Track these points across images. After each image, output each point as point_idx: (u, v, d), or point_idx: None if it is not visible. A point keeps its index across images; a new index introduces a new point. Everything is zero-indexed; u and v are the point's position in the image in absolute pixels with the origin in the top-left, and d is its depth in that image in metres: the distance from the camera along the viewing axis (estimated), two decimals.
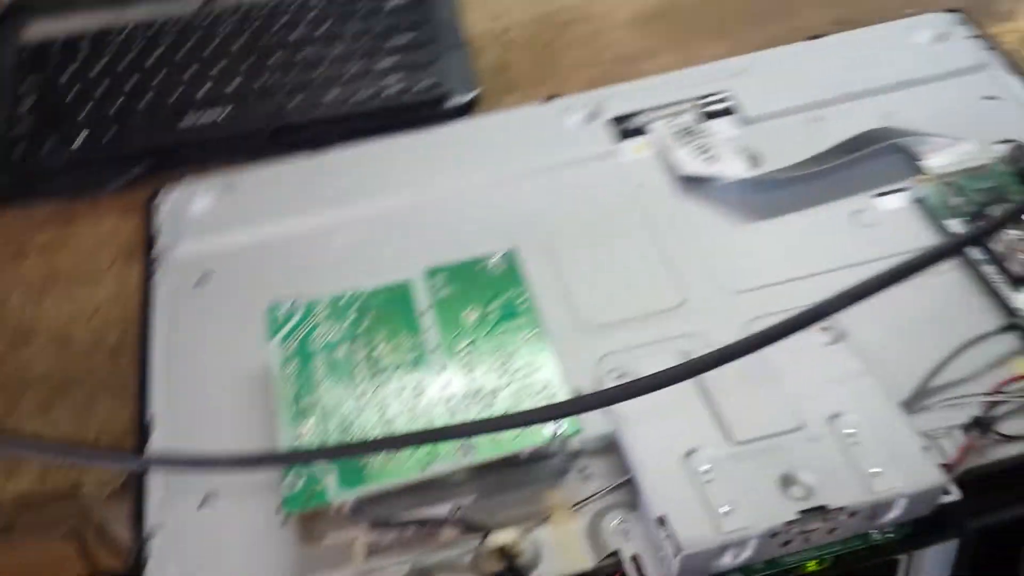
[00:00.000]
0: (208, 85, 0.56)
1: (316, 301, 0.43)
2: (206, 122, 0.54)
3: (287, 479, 0.37)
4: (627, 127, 0.53)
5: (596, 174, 0.51)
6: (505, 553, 0.36)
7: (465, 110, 0.55)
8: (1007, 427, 0.40)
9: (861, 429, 0.37)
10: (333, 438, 0.38)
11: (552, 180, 0.51)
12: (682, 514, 0.35)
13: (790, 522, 0.35)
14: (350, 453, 0.36)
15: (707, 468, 0.36)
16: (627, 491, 0.38)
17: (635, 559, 0.36)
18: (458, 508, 0.38)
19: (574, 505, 0.38)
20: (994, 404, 0.40)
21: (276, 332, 0.42)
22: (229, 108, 0.55)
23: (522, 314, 0.42)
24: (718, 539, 0.34)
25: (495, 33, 0.61)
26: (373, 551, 0.37)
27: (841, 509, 0.35)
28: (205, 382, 0.44)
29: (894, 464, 0.36)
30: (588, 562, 0.37)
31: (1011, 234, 0.44)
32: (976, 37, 0.55)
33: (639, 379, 0.33)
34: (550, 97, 0.54)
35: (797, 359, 0.40)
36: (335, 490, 0.37)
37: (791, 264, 0.46)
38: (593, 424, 0.40)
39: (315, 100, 0.55)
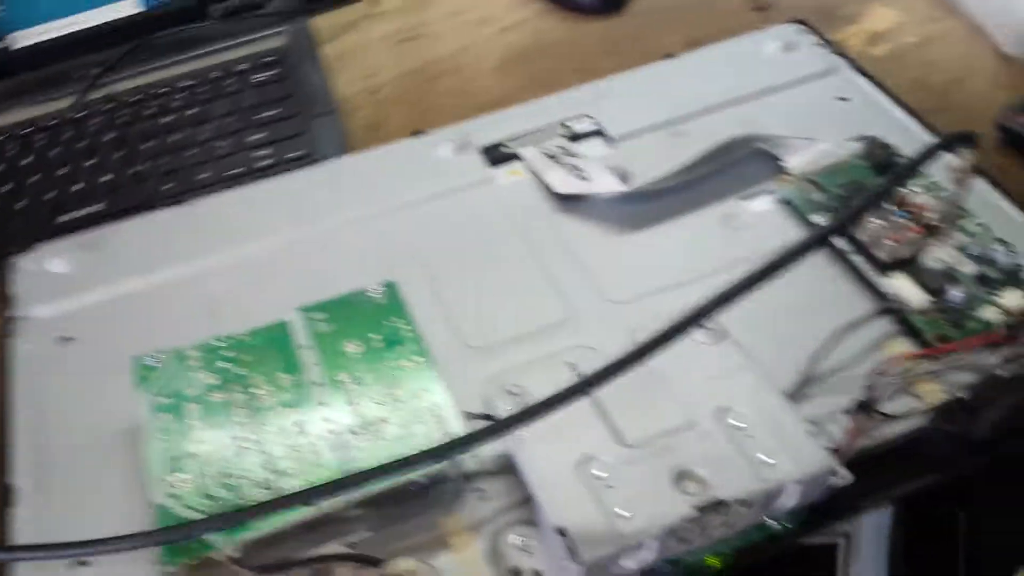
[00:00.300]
0: (83, 179, 0.56)
1: (185, 350, 0.41)
2: (83, 216, 0.54)
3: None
4: (498, 155, 0.53)
5: (472, 201, 0.51)
6: None
7: None
8: (889, 407, 0.40)
9: (749, 421, 0.37)
10: (211, 486, 0.36)
11: (428, 211, 0.51)
12: (580, 523, 0.34)
13: (687, 519, 0.34)
14: (227, 522, 0.34)
15: (602, 474, 0.36)
16: (526, 508, 0.38)
17: (537, 574, 0.36)
18: (352, 544, 0.36)
19: (472, 528, 0.37)
20: (874, 387, 0.41)
21: (143, 384, 0.40)
22: (105, 200, 0.55)
23: (406, 342, 0.41)
24: (617, 544, 0.34)
25: (367, 92, 0.62)
26: None
27: (736, 501, 0.35)
28: (73, 444, 0.42)
29: (783, 452, 0.36)
30: None
31: (875, 223, 0.45)
32: (822, 44, 0.57)
33: (532, 405, 0.34)
34: (415, 132, 0.54)
35: (682, 361, 0.40)
36: (219, 538, 0.35)
37: (668, 271, 0.46)
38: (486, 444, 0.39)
39: (188, 182, 0.55)
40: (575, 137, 0.53)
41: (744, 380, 0.39)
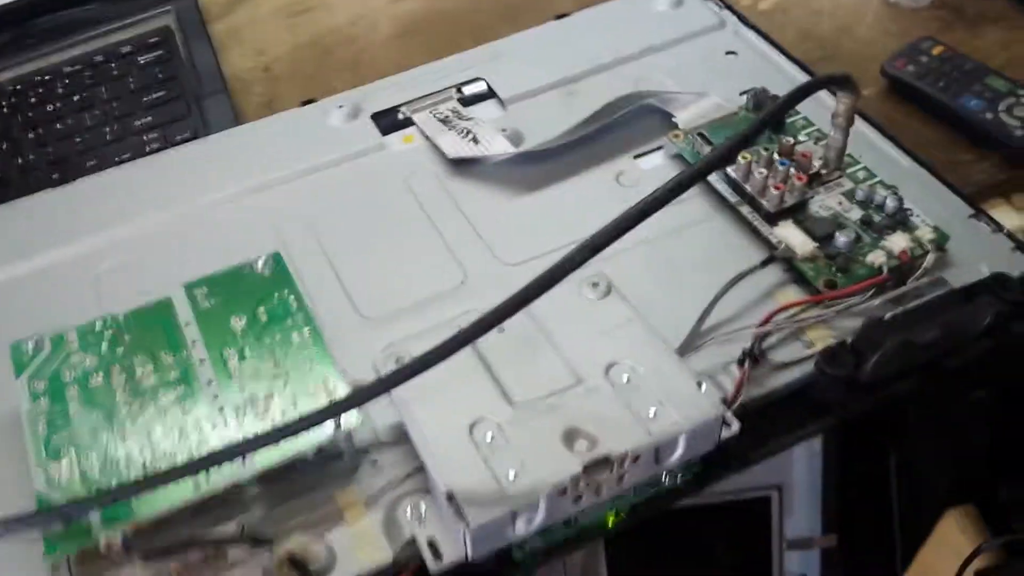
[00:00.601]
0: None
1: (64, 333, 0.40)
2: None
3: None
4: (390, 121, 0.52)
5: (364, 169, 0.50)
6: (296, 561, 0.34)
7: None
8: (778, 355, 0.41)
9: (637, 375, 0.37)
10: (94, 472, 0.35)
11: (319, 181, 0.50)
12: (468, 486, 0.34)
13: (575, 476, 0.34)
14: (109, 498, 0.33)
15: (491, 436, 0.36)
16: (421, 477, 0.37)
17: (431, 543, 0.35)
18: (242, 525, 0.36)
19: (368, 500, 0.37)
20: (764, 336, 0.41)
21: (22, 370, 0.39)
22: None
23: (293, 314, 0.41)
24: (506, 507, 0.34)
25: (259, 69, 0.60)
26: None
27: (624, 455, 0.35)
28: None
29: (671, 403, 0.36)
30: (387, 554, 0.35)
31: (760, 173, 0.45)
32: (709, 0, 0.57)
33: (409, 363, 0.33)
34: (306, 102, 0.53)
35: (568, 317, 0.40)
36: (99, 527, 0.34)
37: (563, 231, 0.46)
38: (378, 414, 0.39)
39: (76, 169, 0.53)
40: (467, 101, 0.53)
41: (631, 334, 0.39)
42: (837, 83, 0.43)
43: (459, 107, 0.52)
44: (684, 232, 0.46)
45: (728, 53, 0.54)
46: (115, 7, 0.63)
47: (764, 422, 0.40)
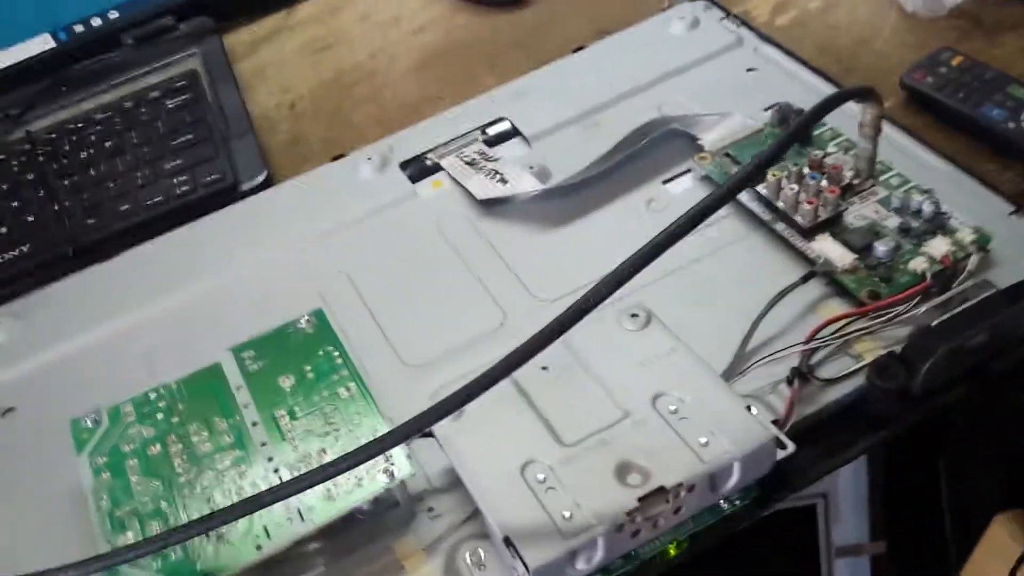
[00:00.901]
0: (6, 222, 0.56)
1: (120, 406, 0.41)
2: (9, 259, 0.53)
3: None
4: (418, 168, 0.53)
5: (396, 218, 0.51)
6: None
7: (258, 192, 0.55)
8: (826, 371, 0.41)
9: (684, 405, 0.37)
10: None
11: (354, 234, 0.50)
12: (526, 530, 0.34)
13: (631, 511, 0.34)
14: (168, 542, 0.34)
15: (543, 477, 0.36)
16: (478, 521, 0.38)
17: None
18: None
19: (426, 548, 0.37)
20: (811, 353, 0.41)
21: (83, 446, 0.40)
22: (30, 241, 0.54)
23: (338, 370, 0.41)
24: (564, 547, 0.34)
25: (285, 106, 0.61)
26: None
27: (679, 486, 0.35)
28: (20, 513, 0.41)
29: (722, 430, 0.36)
30: None
31: (791, 189, 0.45)
32: (726, 17, 0.57)
33: (446, 398, 0.33)
34: (336, 157, 0.54)
35: (611, 351, 0.40)
36: None
37: (599, 263, 0.45)
38: (430, 461, 0.39)
39: (110, 214, 0.55)
40: (492, 141, 0.53)
41: (675, 363, 0.39)
42: (860, 96, 0.43)
43: (485, 148, 0.53)
44: (720, 254, 0.46)
45: (749, 70, 0.54)
46: (142, 52, 0.64)
47: (819, 439, 0.39)
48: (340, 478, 0.37)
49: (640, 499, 0.34)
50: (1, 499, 0.42)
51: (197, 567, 0.35)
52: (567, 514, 0.34)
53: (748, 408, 0.37)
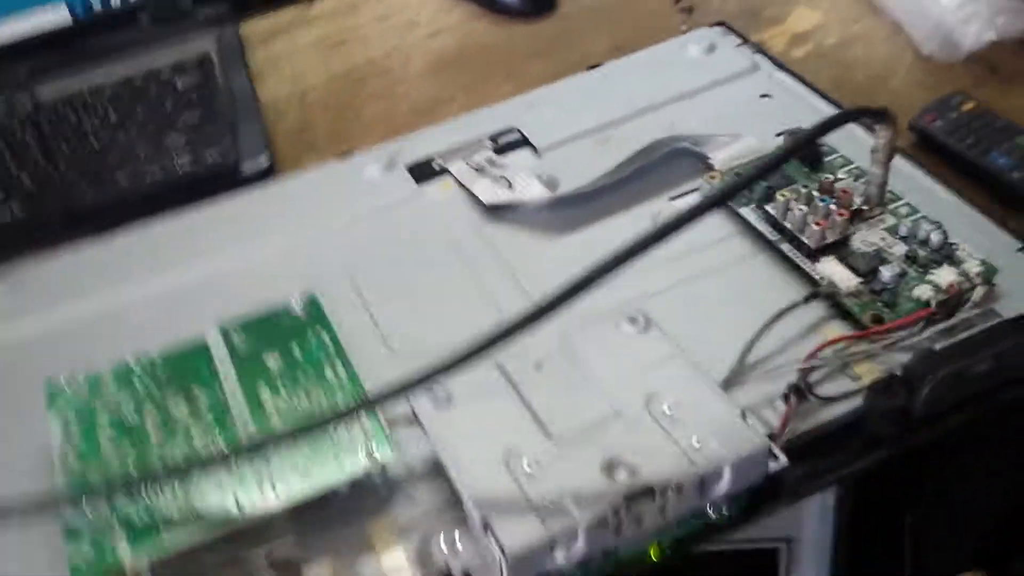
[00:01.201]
0: (3, 184, 0.55)
1: (99, 373, 0.40)
2: (1, 221, 0.53)
3: (71, 548, 0.33)
4: (425, 171, 0.52)
5: (400, 218, 0.50)
6: None
7: (259, 177, 0.54)
8: (825, 390, 0.40)
9: (678, 407, 0.36)
10: (124, 507, 0.35)
11: (356, 231, 0.50)
12: (506, 516, 0.33)
13: (616, 506, 0.33)
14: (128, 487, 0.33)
15: (528, 467, 0.35)
16: (456, 510, 0.36)
17: (467, 574, 0.34)
18: (271, 552, 0.35)
19: (400, 531, 0.36)
20: (809, 370, 0.40)
21: (54, 403, 0.39)
22: (25, 203, 0.54)
23: (328, 353, 0.40)
24: (544, 535, 0.32)
25: (295, 96, 0.61)
26: None
27: (667, 485, 0.34)
28: None
29: (715, 435, 0.35)
30: None
31: (800, 210, 0.45)
32: (742, 44, 0.57)
33: (428, 367, 0.33)
34: (344, 153, 0.54)
35: (607, 352, 0.39)
36: (127, 554, 0.33)
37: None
38: (412, 449, 0.38)
39: (109, 184, 0.54)
40: (501, 149, 0.53)
41: (672, 368, 0.38)
42: (873, 116, 0.42)
43: (493, 156, 0.52)
44: (724, 271, 0.45)
45: (762, 96, 0.54)
46: (158, 32, 0.65)
47: (813, 456, 0.38)
48: (319, 457, 0.36)
49: (626, 496, 0.33)
50: None
51: (158, 531, 0.34)
52: (549, 504, 0.33)
53: (743, 415, 0.36)
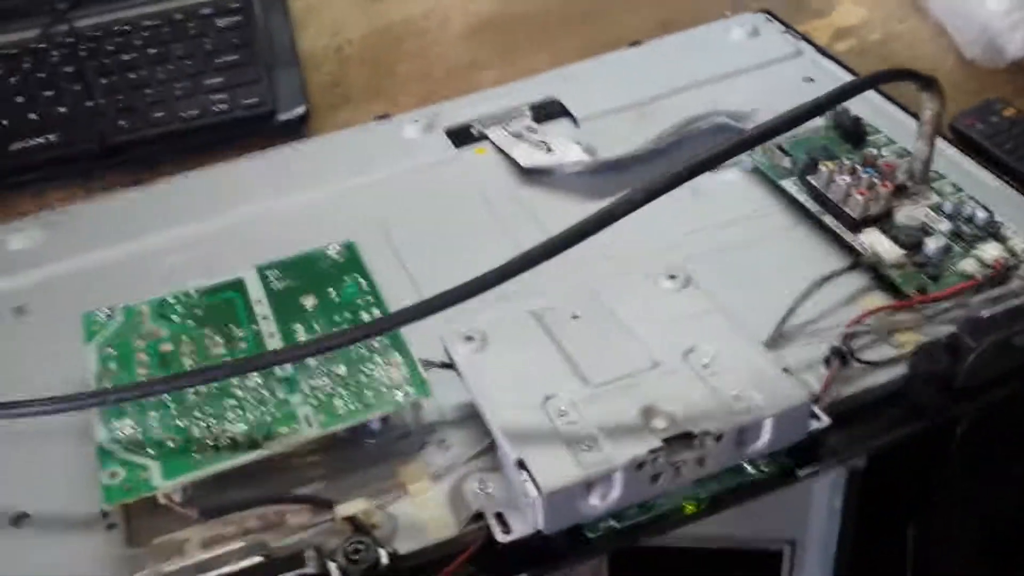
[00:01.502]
0: (39, 110, 0.55)
1: (137, 305, 0.40)
2: (36, 146, 0.53)
3: (106, 471, 0.33)
4: (463, 135, 0.52)
5: (437, 176, 0.50)
6: (358, 525, 0.32)
7: (294, 125, 0.55)
8: (867, 356, 0.39)
9: (718, 360, 0.36)
10: (155, 430, 0.34)
11: (393, 185, 0.50)
12: (541, 455, 0.32)
13: (654, 450, 0.32)
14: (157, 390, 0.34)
15: (564, 409, 0.34)
16: (491, 457, 0.36)
17: (499, 516, 0.33)
18: (301, 489, 0.34)
19: (432, 476, 0.35)
20: (852, 336, 0.40)
21: (92, 336, 0.38)
22: (59, 131, 0.54)
23: (364, 295, 0.40)
24: (580, 475, 0.32)
25: (331, 48, 0.61)
26: (213, 545, 0.33)
27: (706, 433, 0.33)
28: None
29: (756, 387, 0.34)
30: (451, 529, 0.34)
31: (844, 181, 0.44)
32: (786, 32, 0.57)
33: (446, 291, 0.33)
34: (381, 116, 0.54)
35: (645, 307, 0.39)
36: (160, 479, 0.33)
37: (637, 236, 0.45)
38: (448, 394, 0.37)
39: (144, 119, 0.55)
40: (540, 118, 0.53)
41: (712, 322, 0.37)
42: (920, 81, 0.42)
43: (532, 123, 0.52)
44: (764, 242, 0.45)
45: (806, 80, 0.54)
46: None
47: (855, 420, 0.38)
48: (352, 394, 0.35)
49: (665, 440, 0.33)
50: (5, 391, 0.41)
51: (191, 457, 0.33)
52: (586, 446, 0.33)
53: (785, 370, 0.36)
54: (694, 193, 0.48)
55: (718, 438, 0.33)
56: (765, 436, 0.34)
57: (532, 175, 0.49)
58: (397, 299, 0.42)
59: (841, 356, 0.39)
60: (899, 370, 0.39)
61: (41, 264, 0.47)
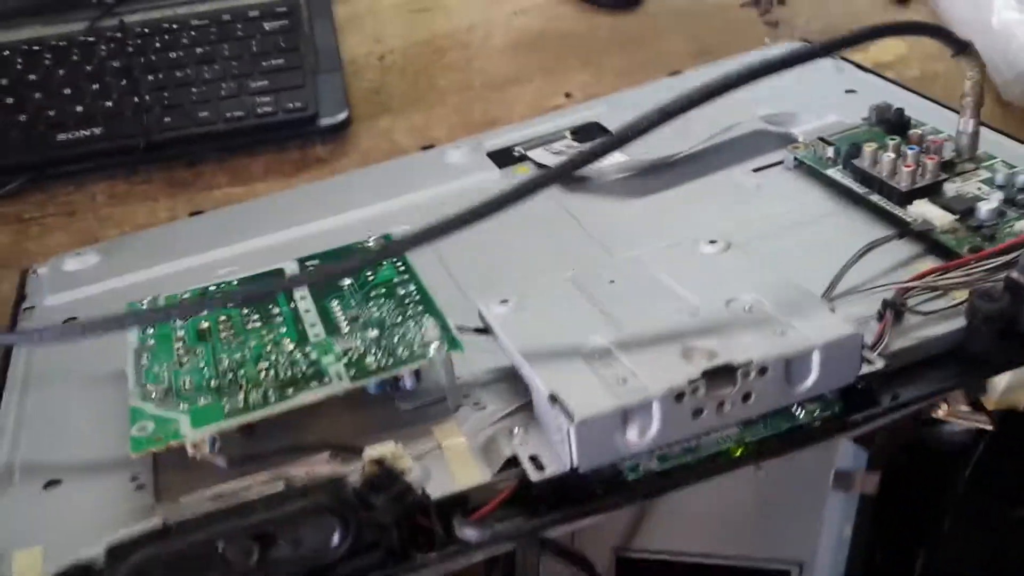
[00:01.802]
0: (85, 102, 0.57)
1: (179, 294, 0.40)
2: (81, 138, 0.55)
3: (136, 426, 0.33)
4: (505, 157, 0.53)
5: (478, 189, 0.51)
6: (387, 468, 0.31)
7: (335, 130, 0.56)
8: (923, 310, 0.37)
9: (761, 304, 0.34)
10: (186, 390, 0.34)
11: (440, 205, 0.49)
12: (575, 388, 0.31)
13: (693, 380, 0.31)
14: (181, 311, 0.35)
15: (602, 354, 0.33)
16: (527, 415, 0.34)
17: (534, 459, 0.32)
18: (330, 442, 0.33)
19: (466, 433, 0.34)
20: (905, 291, 0.38)
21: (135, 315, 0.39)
22: (104, 125, 0.55)
23: (402, 275, 0.40)
24: (616, 403, 0.30)
25: (374, 56, 0.62)
26: None
27: (749, 364, 0.31)
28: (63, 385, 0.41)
29: (803, 322, 0.33)
30: (484, 474, 0.32)
31: (889, 157, 0.43)
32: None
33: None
34: (426, 147, 0.55)
35: (686, 267, 0.38)
36: (188, 429, 0.32)
37: (681, 229, 0.45)
38: (484, 360, 0.37)
39: (188, 118, 0.56)
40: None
41: (756, 276, 0.36)
42: (954, 44, 0.41)
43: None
44: (810, 225, 0.44)
45: (848, 92, 0.54)
46: None
47: (911, 369, 0.35)
48: (384, 349, 0.35)
49: (705, 371, 0.31)
50: (45, 379, 0.41)
51: (220, 409, 0.33)
52: (623, 379, 0.31)
53: (833, 309, 0.34)
54: (737, 190, 0.48)
55: (762, 371, 0.32)
56: (814, 372, 0.32)
57: (572, 184, 0.49)
58: (447, 305, 0.42)
59: (894, 308, 0.37)
60: (956, 323, 0.36)
61: (92, 282, 0.48)
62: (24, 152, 0.53)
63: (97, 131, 0.55)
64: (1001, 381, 0.41)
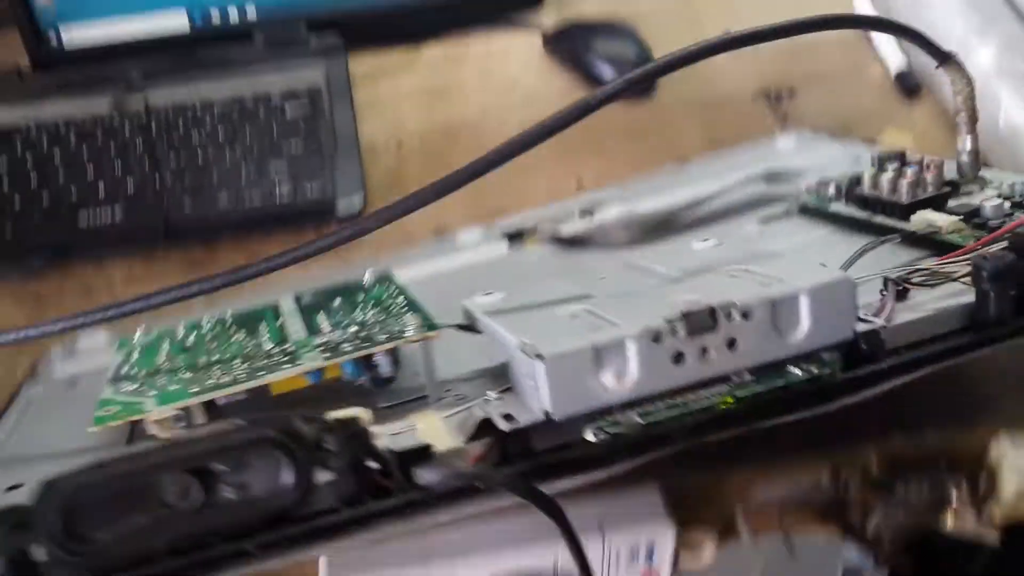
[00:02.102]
0: (106, 185, 0.57)
1: (171, 327, 0.40)
2: (103, 220, 0.56)
3: (102, 409, 0.32)
4: (517, 236, 0.53)
5: (493, 268, 0.51)
6: (355, 431, 0.29)
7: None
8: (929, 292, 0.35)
9: (748, 268, 0.33)
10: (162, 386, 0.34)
11: (452, 278, 0.51)
12: (548, 335, 0.30)
13: (671, 319, 0.29)
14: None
15: (581, 311, 0.32)
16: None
17: (507, 416, 0.30)
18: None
19: (444, 416, 0.32)
20: (911, 272, 0.36)
21: (125, 344, 0.39)
22: (125, 207, 0.56)
23: (391, 290, 0.39)
24: (587, 343, 0.29)
25: (392, 143, 0.63)
26: None
27: (730, 305, 0.30)
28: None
29: (792, 274, 0.31)
30: (457, 440, 0.30)
31: (888, 177, 0.43)
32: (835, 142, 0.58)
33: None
34: (438, 233, 0.56)
35: (676, 260, 0.37)
36: (152, 406, 0.31)
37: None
38: (467, 360, 0.36)
39: (208, 201, 0.56)
40: (590, 213, 0.54)
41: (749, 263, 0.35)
42: (933, 53, 0.41)
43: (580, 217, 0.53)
44: (813, 248, 0.43)
45: (853, 159, 0.54)
46: (270, 53, 0.64)
47: (915, 333, 0.33)
48: (360, 338, 0.34)
49: (685, 312, 0.30)
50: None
51: (187, 388, 0.32)
52: (597, 327, 0.30)
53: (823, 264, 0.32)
54: (743, 235, 0.47)
55: (745, 315, 0.30)
56: (804, 321, 0.31)
57: (580, 243, 0.50)
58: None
59: (896, 285, 0.35)
60: (963, 299, 0.34)
61: (101, 354, 0.48)
62: (46, 232, 0.54)
63: (118, 213, 0.56)
64: (1010, 486, 0.40)
